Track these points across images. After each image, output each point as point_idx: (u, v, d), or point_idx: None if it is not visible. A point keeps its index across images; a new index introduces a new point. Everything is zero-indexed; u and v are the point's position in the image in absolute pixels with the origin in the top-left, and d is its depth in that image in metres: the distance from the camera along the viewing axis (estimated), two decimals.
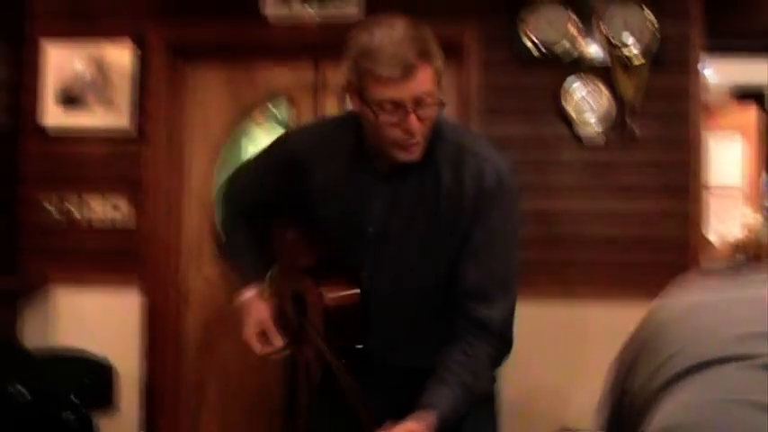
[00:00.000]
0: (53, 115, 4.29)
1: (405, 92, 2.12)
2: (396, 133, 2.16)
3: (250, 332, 2.51)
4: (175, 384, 4.33)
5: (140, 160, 4.25)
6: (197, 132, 4.39)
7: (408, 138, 2.17)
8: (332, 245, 2.44)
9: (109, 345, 3.95)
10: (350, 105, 2.30)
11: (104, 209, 4.27)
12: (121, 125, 4.25)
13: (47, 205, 4.29)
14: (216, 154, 4.38)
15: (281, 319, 2.53)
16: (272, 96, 4.41)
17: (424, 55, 2.13)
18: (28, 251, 4.31)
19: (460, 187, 2.23)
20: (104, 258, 4.27)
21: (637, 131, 3.97)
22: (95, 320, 4.24)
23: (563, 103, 4.03)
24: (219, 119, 4.39)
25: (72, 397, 3.42)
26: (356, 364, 2.27)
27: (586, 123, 4.01)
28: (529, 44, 4.03)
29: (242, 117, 4.44)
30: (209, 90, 4.39)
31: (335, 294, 2.34)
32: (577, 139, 4.03)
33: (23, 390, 3.24)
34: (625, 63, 3.98)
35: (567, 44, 4.02)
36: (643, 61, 3.96)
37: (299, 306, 2.50)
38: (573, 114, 4.01)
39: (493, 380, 2.36)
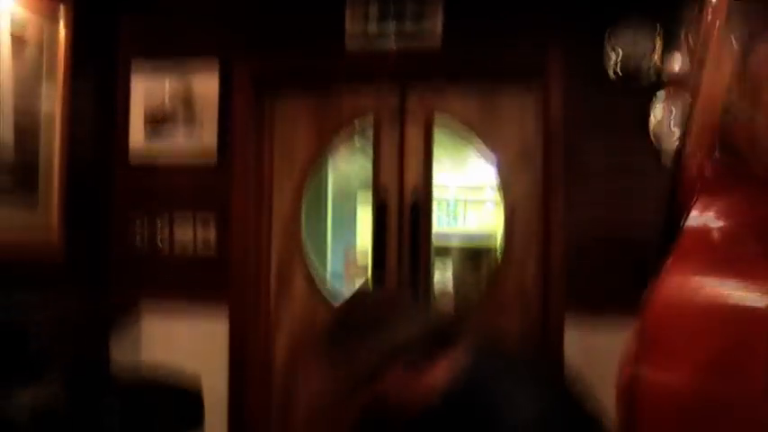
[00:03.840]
0: (141, 145, 4.37)
1: None
2: None
3: None
4: (263, 409, 4.36)
5: (226, 188, 4.30)
6: (282, 160, 4.43)
7: None
8: None
9: (197, 369, 3.98)
10: None
11: (192, 236, 4.33)
12: (208, 154, 4.30)
13: (136, 233, 4.36)
14: (300, 181, 4.41)
15: None
16: (357, 125, 4.42)
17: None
18: (118, 277, 4.39)
19: None
20: (193, 284, 4.32)
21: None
22: (184, 345, 4.29)
23: (650, 123, 3.96)
24: (304, 147, 4.41)
25: (163, 426, 3.46)
26: None
27: (673, 144, 3.94)
28: (613, 62, 3.98)
29: (326, 145, 4.46)
30: (293, 119, 4.43)
31: None
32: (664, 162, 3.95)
33: (115, 417, 3.28)
34: None
35: (654, 61, 3.95)
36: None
37: None
38: (660, 135, 3.93)
39: None
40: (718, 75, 1.53)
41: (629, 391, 1.35)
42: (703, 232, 1.45)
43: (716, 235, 1.45)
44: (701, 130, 1.59)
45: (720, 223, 1.45)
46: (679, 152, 1.60)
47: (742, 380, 1.24)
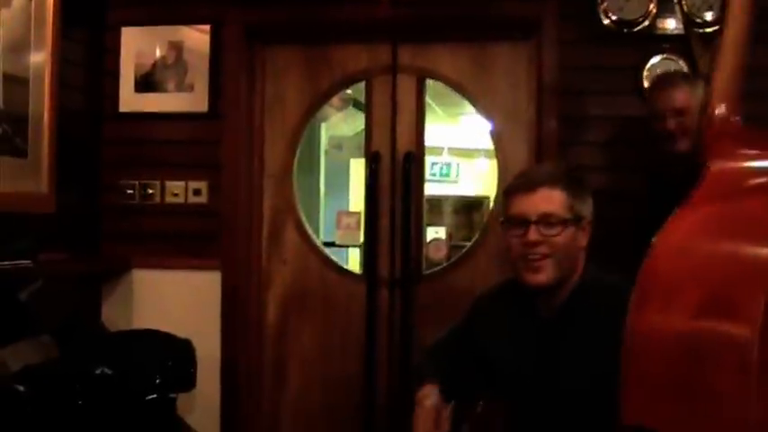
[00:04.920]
0: (132, 99, 4.33)
1: (528, 205, 2.32)
2: (519, 247, 2.32)
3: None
4: (255, 365, 4.36)
5: (218, 143, 4.27)
6: (274, 114, 4.39)
7: (528, 250, 2.29)
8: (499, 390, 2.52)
9: (190, 326, 3.96)
10: None
11: (183, 191, 4.30)
12: (200, 108, 4.27)
13: (127, 189, 4.33)
14: (293, 136, 4.38)
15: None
16: (350, 79, 4.39)
17: (553, 178, 2.35)
18: (109, 234, 4.37)
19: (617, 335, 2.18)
20: (185, 241, 4.31)
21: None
22: (176, 302, 4.28)
23: (642, 80, 3.94)
24: (296, 101, 4.38)
25: (156, 378, 3.45)
26: None
27: None
28: (606, 22, 3.95)
29: (318, 100, 4.43)
30: (285, 73, 4.39)
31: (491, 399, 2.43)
32: None
33: (108, 371, 3.27)
34: (705, 39, 3.88)
35: (645, 21, 3.93)
36: None
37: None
38: None
39: None
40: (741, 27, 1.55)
41: (627, 337, 1.36)
42: (719, 183, 1.46)
43: (730, 187, 1.46)
44: (726, 82, 1.59)
45: (737, 176, 1.47)
46: (704, 104, 1.60)
47: (738, 321, 1.25)
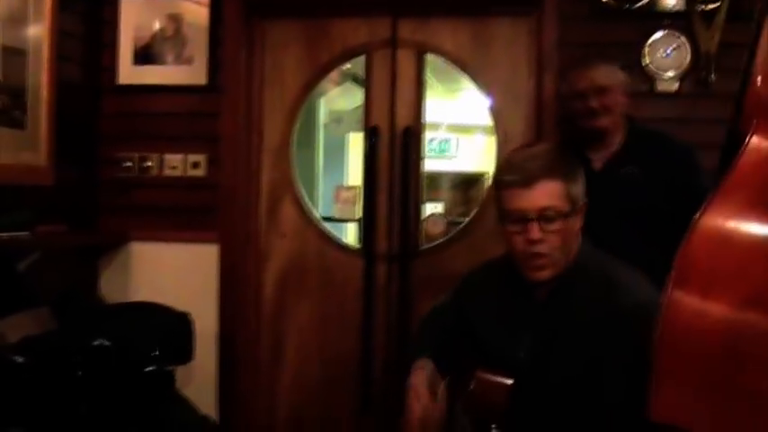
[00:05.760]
0: (130, 72, 4.32)
1: (527, 201, 2.25)
2: (521, 244, 2.27)
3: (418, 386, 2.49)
4: (253, 339, 4.37)
5: (217, 116, 4.26)
6: (273, 88, 4.38)
7: (531, 248, 2.26)
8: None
9: (187, 300, 3.97)
10: None
11: (182, 164, 4.30)
12: (198, 81, 4.26)
13: (125, 161, 4.33)
14: (292, 110, 4.36)
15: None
16: (349, 53, 4.37)
17: (550, 170, 2.26)
18: (107, 207, 4.37)
19: (610, 321, 2.18)
20: (183, 214, 4.31)
21: (715, 85, 3.88)
22: (174, 275, 4.29)
23: (643, 56, 3.94)
24: (295, 75, 4.36)
25: (154, 351, 3.46)
26: None
27: (666, 78, 3.93)
28: None
29: (317, 74, 4.41)
30: (285, 46, 4.37)
31: (486, 375, 2.36)
32: (656, 94, 3.94)
33: (107, 343, 3.28)
34: (705, 15, 3.87)
35: None
36: (724, 13, 3.84)
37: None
38: (653, 68, 3.93)
39: None
40: None
41: (661, 326, 1.31)
42: (757, 167, 1.40)
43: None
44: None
45: None
46: (743, 78, 1.56)
47: None
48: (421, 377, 2.50)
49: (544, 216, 2.24)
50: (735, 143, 1.48)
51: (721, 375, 1.23)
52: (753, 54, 1.57)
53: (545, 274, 2.29)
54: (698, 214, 1.33)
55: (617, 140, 3.39)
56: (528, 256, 2.28)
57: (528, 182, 2.25)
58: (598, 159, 3.38)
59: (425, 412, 2.42)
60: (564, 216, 2.25)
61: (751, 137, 1.42)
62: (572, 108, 3.42)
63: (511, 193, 2.28)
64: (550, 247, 2.26)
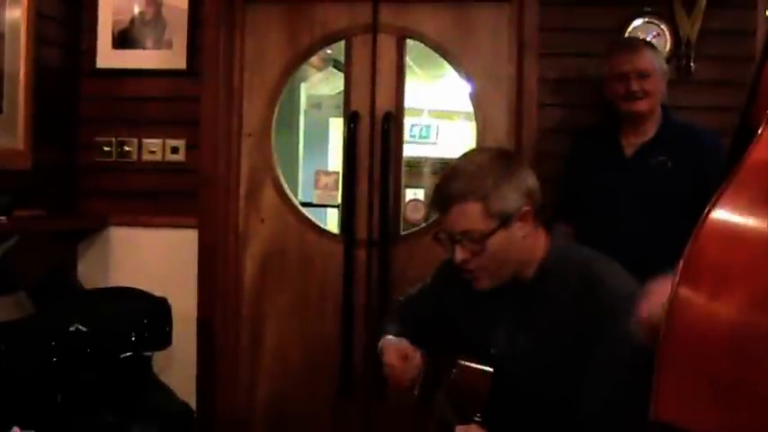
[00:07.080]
0: (110, 56, 4.29)
1: (447, 224, 2.26)
2: (455, 259, 2.27)
3: (391, 356, 2.49)
4: (232, 324, 4.36)
5: (196, 101, 4.23)
6: (253, 73, 4.36)
7: (461, 267, 2.27)
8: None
9: (166, 284, 3.96)
10: None
11: (161, 149, 4.28)
12: (178, 65, 4.24)
13: (104, 146, 4.30)
14: (273, 95, 4.35)
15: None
16: (330, 38, 4.36)
17: (463, 192, 2.20)
18: (86, 192, 4.35)
19: (587, 312, 2.17)
20: (162, 198, 4.30)
21: (696, 72, 3.90)
22: (153, 260, 4.28)
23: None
24: (276, 59, 4.34)
25: (131, 336, 3.45)
26: None
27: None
28: None
29: (298, 59, 4.39)
30: (265, 30, 4.35)
31: (468, 363, 2.37)
32: None
33: (83, 328, 3.27)
34: (686, 2, 3.88)
35: None
36: (705, 0, 3.85)
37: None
38: None
39: None
40: None
41: (668, 319, 1.26)
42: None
43: None
44: None
45: None
46: (759, 66, 1.54)
47: None
48: (393, 340, 2.53)
49: (466, 237, 2.21)
50: (746, 132, 1.45)
51: (731, 375, 1.19)
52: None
53: (483, 285, 2.29)
54: (708, 207, 1.28)
55: (651, 129, 3.44)
56: (461, 270, 2.29)
57: (443, 207, 2.25)
58: (630, 146, 3.43)
59: (403, 361, 2.45)
60: (487, 236, 2.19)
61: (764, 128, 1.38)
62: (612, 89, 3.47)
63: (436, 213, 2.33)
64: (478, 265, 2.24)
